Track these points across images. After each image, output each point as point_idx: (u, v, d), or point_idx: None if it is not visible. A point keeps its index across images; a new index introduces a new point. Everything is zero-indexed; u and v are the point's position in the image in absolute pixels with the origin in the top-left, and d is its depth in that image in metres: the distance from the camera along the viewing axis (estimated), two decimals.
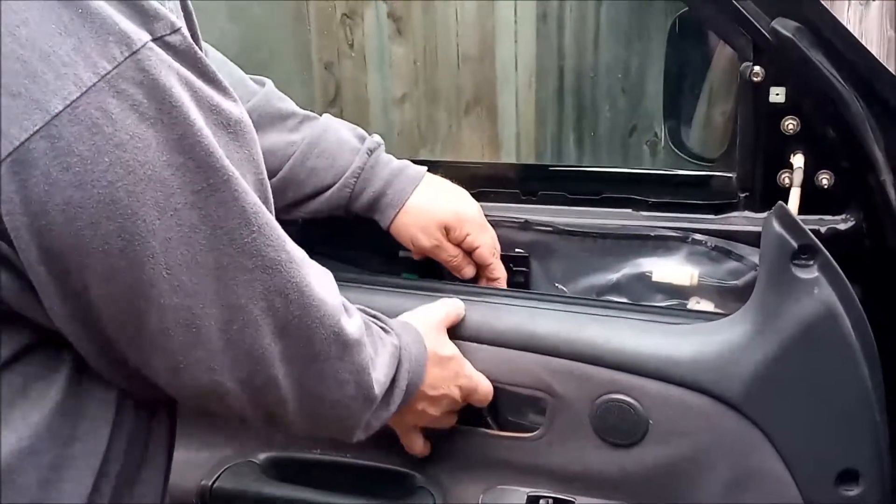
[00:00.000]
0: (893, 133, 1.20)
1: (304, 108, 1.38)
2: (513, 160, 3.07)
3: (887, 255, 1.26)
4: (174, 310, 0.79)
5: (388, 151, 1.39)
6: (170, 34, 0.76)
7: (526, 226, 1.43)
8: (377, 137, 1.38)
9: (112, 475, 0.88)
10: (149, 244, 0.75)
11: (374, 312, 1.13)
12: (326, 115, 1.39)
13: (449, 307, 1.27)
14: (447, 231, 1.37)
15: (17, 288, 0.75)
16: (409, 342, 1.13)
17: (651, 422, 1.23)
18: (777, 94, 1.25)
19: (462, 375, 1.24)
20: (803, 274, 1.14)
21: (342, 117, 1.39)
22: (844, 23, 2.64)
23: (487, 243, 1.39)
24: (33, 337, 0.79)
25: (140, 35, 0.73)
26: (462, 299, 1.30)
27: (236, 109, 0.82)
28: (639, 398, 1.23)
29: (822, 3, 1.23)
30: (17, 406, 0.79)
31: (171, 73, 0.74)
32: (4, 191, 0.70)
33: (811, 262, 1.14)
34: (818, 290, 1.14)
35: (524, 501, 1.31)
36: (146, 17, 0.74)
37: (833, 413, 1.17)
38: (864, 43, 1.25)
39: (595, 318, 1.28)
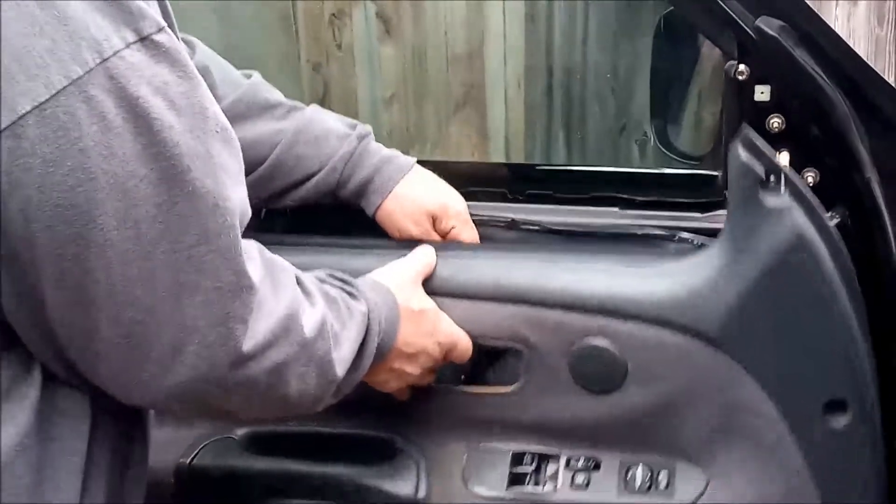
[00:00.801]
0: (878, 131, 1.20)
1: None
2: (502, 160, 3.07)
3: (873, 251, 1.26)
4: (126, 324, 0.78)
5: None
6: (156, 32, 0.75)
7: (512, 225, 1.43)
8: (367, 127, 1.38)
9: (102, 472, 0.87)
10: (105, 254, 0.74)
11: (342, 276, 1.11)
12: (314, 106, 1.38)
13: (420, 258, 1.25)
14: (433, 221, 1.36)
15: None
16: (378, 303, 1.12)
17: (629, 365, 1.22)
18: (762, 93, 1.25)
19: (439, 330, 1.22)
20: (773, 202, 1.13)
21: None
22: (832, 21, 2.65)
23: (470, 239, 1.39)
24: (8, 337, 0.79)
25: (115, 41, 0.72)
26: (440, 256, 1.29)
27: (218, 112, 0.81)
28: (615, 341, 1.22)
29: (808, 1, 1.23)
30: (2, 408, 0.79)
31: (142, 81, 0.73)
32: None
33: (781, 190, 1.12)
34: (788, 217, 1.12)
35: (509, 459, 1.30)
36: (131, 17, 0.74)
37: (814, 343, 1.15)
38: (851, 41, 1.25)
39: (566, 265, 1.27)
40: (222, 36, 2.77)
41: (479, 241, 1.40)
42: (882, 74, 1.22)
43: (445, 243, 1.36)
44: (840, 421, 1.16)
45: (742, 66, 1.22)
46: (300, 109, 1.35)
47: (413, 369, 1.20)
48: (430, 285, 1.26)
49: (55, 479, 0.83)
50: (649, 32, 2.63)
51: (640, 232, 1.38)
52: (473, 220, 1.40)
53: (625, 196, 1.41)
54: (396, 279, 1.20)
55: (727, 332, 1.17)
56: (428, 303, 1.22)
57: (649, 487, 1.24)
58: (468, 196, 1.42)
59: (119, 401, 0.88)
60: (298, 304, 0.95)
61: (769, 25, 1.18)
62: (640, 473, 1.25)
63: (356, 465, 1.31)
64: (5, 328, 0.78)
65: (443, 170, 1.44)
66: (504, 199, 1.47)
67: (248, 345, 0.85)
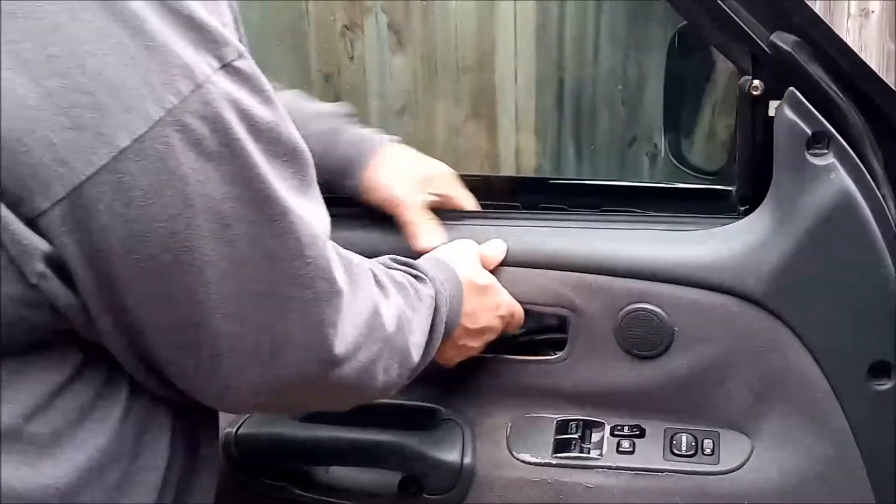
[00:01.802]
0: (891, 146, 1.20)
1: None
2: (512, 171, 3.07)
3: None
4: (226, 337, 0.79)
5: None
6: (237, 59, 0.76)
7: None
8: (346, 108, 1.35)
9: (173, 484, 0.88)
10: (204, 274, 0.75)
11: (405, 260, 1.12)
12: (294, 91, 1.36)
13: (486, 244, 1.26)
14: (426, 184, 1.33)
15: (78, 308, 0.75)
16: (443, 281, 1.12)
17: (676, 329, 1.23)
18: (776, 108, 1.25)
19: (501, 304, 1.23)
20: (818, 161, 1.13)
21: None
22: (844, 35, 2.65)
23: (469, 202, 1.37)
24: (90, 355, 0.79)
25: (204, 67, 0.72)
26: (472, 225, 1.30)
27: (293, 133, 0.81)
28: (662, 305, 1.22)
29: (821, 16, 1.23)
30: (83, 426, 0.79)
31: (229, 106, 0.74)
32: (66, 224, 0.70)
33: (826, 149, 1.13)
34: (834, 176, 1.13)
35: (553, 427, 1.30)
36: (214, 44, 0.74)
37: (858, 304, 1.15)
38: (864, 55, 1.25)
39: (611, 231, 1.28)
40: None
41: (477, 206, 1.39)
42: (894, 88, 1.22)
43: (482, 212, 1.37)
44: (884, 384, 1.17)
45: (756, 82, 1.22)
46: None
47: (477, 344, 1.22)
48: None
49: (134, 496, 0.83)
50: (661, 44, 2.63)
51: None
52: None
53: (638, 210, 1.40)
54: (458, 256, 1.20)
55: (773, 293, 1.18)
56: (489, 278, 1.23)
57: (694, 454, 1.24)
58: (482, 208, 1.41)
59: (196, 408, 0.89)
60: (378, 300, 0.96)
61: (783, 41, 1.18)
62: (684, 440, 1.25)
63: (401, 433, 1.31)
64: (89, 346, 0.79)
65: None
66: (518, 213, 1.45)
67: (339, 347, 0.88)
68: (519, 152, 3.06)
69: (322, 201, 0.87)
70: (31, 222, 0.69)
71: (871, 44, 2.69)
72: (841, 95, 1.18)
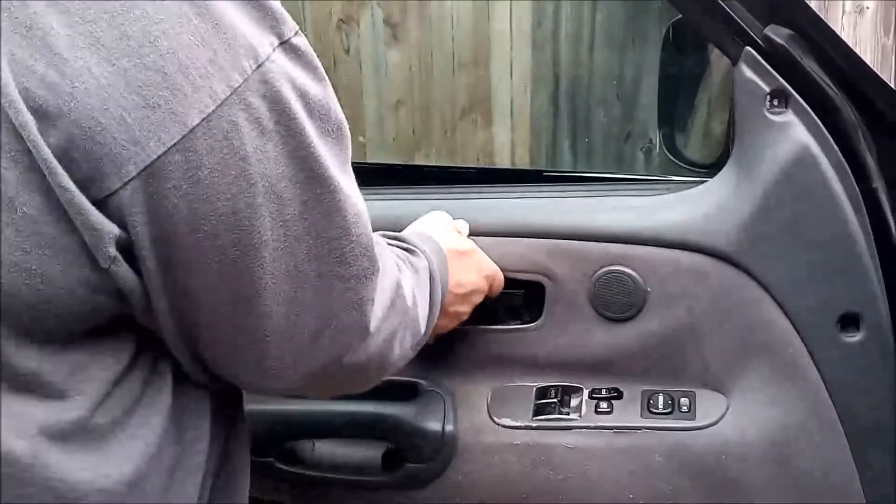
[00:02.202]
0: (885, 140, 1.20)
1: None
2: (507, 166, 3.08)
3: (881, 259, 1.26)
4: (274, 318, 0.80)
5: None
6: (294, 36, 0.76)
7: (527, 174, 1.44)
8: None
9: (212, 469, 0.89)
10: (260, 255, 0.76)
11: (395, 234, 1.13)
12: None
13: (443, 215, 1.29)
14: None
15: (140, 292, 0.75)
16: (430, 253, 1.13)
17: (649, 290, 1.25)
18: None
19: (484, 266, 1.25)
20: (777, 118, 1.16)
21: None
22: (838, 30, 2.65)
23: None
24: (140, 342, 0.80)
25: (265, 45, 0.73)
26: (451, 199, 1.33)
27: (339, 110, 0.82)
28: (634, 267, 1.25)
29: (816, 10, 1.23)
30: (136, 413, 0.79)
31: (287, 84, 0.74)
32: (136, 203, 0.70)
33: (785, 107, 1.16)
34: (793, 132, 1.15)
35: (533, 394, 1.32)
36: (274, 21, 0.74)
37: (824, 257, 1.17)
38: (858, 50, 1.25)
39: (583, 199, 1.31)
40: None
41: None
42: (889, 83, 1.22)
43: (468, 188, 1.40)
44: (854, 336, 1.19)
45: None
46: None
47: (466, 308, 1.23)
48: None
49: (182, 480, 0.84)
50: (656, 40, 2.64)
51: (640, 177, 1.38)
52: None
53: (609, 175, 1.42)
54: (436, 227, 1.23)
55: (741, 249, 1.20)
56: (469, 243, 1.25)
57: (671, 411, 1.26)
58: None
59: (230, 393, 0.90)
60: (398, 275, 0.98)
61: (778, 34, 1.18)
62: (661, 399, 1.27)
63: (383, 404, 1.33)
64: (141, 334, 0.79)
65: (450, 174, 1.45)
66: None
67: (373, 323, 0.89)
68: (514, 148, 3.07)
69: (354, 181, 0.87)
70: (102, 203, 0.69)
71: (865, 39, 2.70)
72: (835, 90, 1.19)
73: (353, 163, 0.86)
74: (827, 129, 1.17)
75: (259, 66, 0.72)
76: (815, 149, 1.15)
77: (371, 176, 1.46)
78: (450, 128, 3.05)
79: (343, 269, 0.82)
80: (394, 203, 1.35)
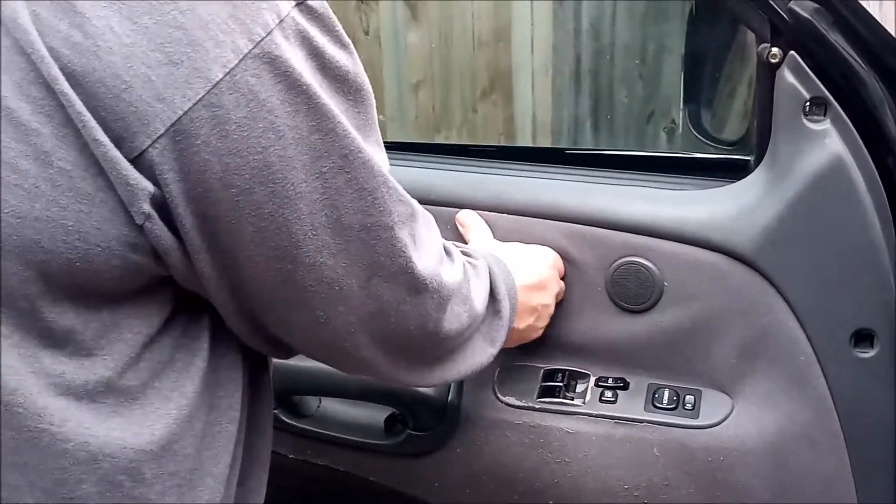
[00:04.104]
0: None
1: None
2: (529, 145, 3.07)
3: None
4: (319, 268, 0.80)
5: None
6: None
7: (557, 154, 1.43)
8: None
9: (242, 438, 0.89)
10: (297, 207, 0.76)
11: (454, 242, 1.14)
12: None
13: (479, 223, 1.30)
14: None
15: (179, 251, 0.75)
16: (484, 252, 1.14)
17: (666, 284, 1.25)
18: None
19: (546, 256, 1.26)
20: (815, 126, 1.15)
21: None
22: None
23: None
24: (174, 306, 0.80)
25: (285, 2, 0.74)
26: (477, 172, 1.34)
27: (360, 74, 0.82)
28: (654, 260, 1.25)
29: None
30: (168, 377, 0.80)
31: (307, 40, 0.75)
32: (166, 161, 0.70)
33: (823, 115, 1.15)
34: (829, 141, 1.14)
35: (540, 375, 1.32)
36: None
37: (846, 271, 1.17)
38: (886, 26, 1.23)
39: (609, 187, 1.31)
40: None
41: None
42: None
43: (487, 162, 1.41)
44: (867, 352, 1.18)
45: (775, 49, 1.21)
46: None
47: (549, 298, 1.24)
48: (478, 201, 1.31)
49: (215, 447, 0.84)
50: (679, 18, 2.62)
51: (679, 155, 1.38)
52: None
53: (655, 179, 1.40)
54: (486, 245, 1.24)
55: (762, 253, 1.19)
56: (514, 244, 1.27)
57: (674, 407, 1.26)
58: None
59: (261, 359, 0.91)
60: (443, 246, 0.98)
61: (803, 8, 1.17)
62: (666, 395, 1.28)
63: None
64: (176, 297, 0.80)
65: (471, 153, 1.44)
66: None
67: (423, 270, 0.89)
68: (535, 127, 3.06)
69: (383, 147, 0.88)
70: (134, 162, 0.70)
71: (888, 21, 2.67)
72: (861, 64, 1.17)
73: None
74: (863, 139, 1.16)
75: (281, 20, 0.73)
76: (849, 159, 1.14)
77: (395, 150, 1.47)
78: (470, 108, 3.04)
79: (386, 219, 0.83)
80: (419, 172, 1.37)
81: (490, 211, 1.31)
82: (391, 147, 1.41)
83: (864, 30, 1.18)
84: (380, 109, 1.44)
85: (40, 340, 0.73)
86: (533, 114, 3.03)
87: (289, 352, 0.91)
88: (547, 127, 3.05)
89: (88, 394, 0.75)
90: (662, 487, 1.26)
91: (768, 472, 1.23)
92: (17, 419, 0.73)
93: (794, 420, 1.22)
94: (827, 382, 1.20)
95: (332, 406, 1.41)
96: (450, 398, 1.32)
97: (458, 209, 1.32)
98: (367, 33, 2.99)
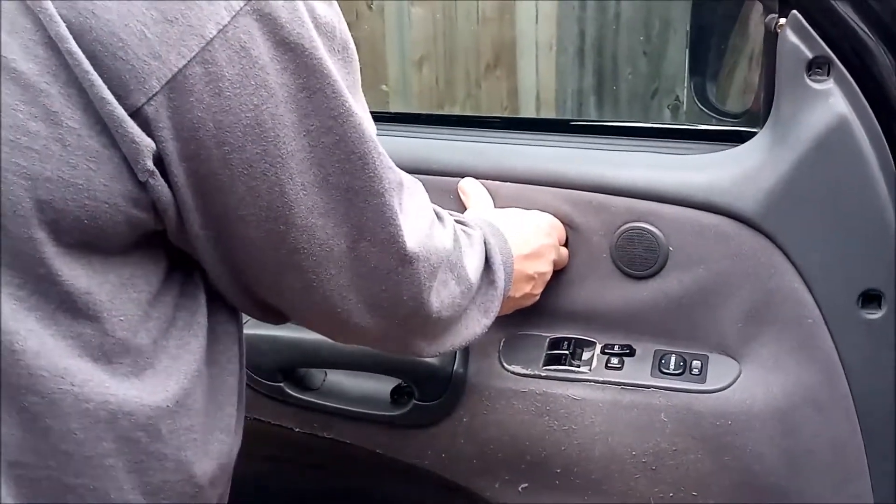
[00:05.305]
0: None
1: None
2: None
3: None
4: (310, 229, 0.81)
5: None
6: None
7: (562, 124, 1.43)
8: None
9: (242, 390, 0.91)
10: (288, 166, 0.77)
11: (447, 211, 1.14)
12: None
13: (480, 191, 1.29)
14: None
15: (174, 208, 0.76)
16: (480, 223, 1.14)
17: (671, 248, 1.24)
18: None
19: (543, 222, 1.25)
20: (818, 85, 1.14)
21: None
22: None
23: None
24: (169, 265, 0.82)
25: None
26: (472, 141, 1.34)
27: (345, 31, 0.83)
28: (659, 225, 1.24)
29: None
30: (174, 335, 0.82)
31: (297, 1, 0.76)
32: (162, 118, 0.71)
33: (826, 75, 1.14)
34: (832, 101, 1.13)
35: (546, 344, 1.32)
36: None
37: (852, 231, 1.16)
38: None
39: (612, 153, 1.31)
40: None
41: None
42: None
43: (494, 132, 1.41)
44: (875, 314, 1.17)
45: (782, 20, 1.21)
46: None
47: (546, 266, 1.23)
48: (480, 170, 1.30)
49: (220, 400, 0.87)
50: None
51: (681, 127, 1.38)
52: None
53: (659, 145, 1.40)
54: (484, 214, 1.23)
55: (767, 215, 1.19)
56: (513, 210, 1.26)
57: (681, 373, 1.26)
58: None
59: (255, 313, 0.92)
60: (433, 214, 0.98)
61: None
62: (673, 360, 1.27)
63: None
64: (171, 255, 0.81)
65: (475, 123, 1.44)
66: None
67: (410, 242, 0.89)
68: (539, 104, 3.05)
69: (367, 110, 0.88)
70: (132, 118, 0.71)
71: None
72: (869, 34, 1.16)
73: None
74: (868, 99, 1.15)
75: None
76: (853, 119, 1.13)
77: (397, 122, 1.46)
78: (474, 83, 3.03)
79: (376, 184, 0.83)
80: (420, 143, 1.36)
81: (492, 179, 1.30)
82: (393, 118, 1.41)
83: (886, 13, 1.17)
84: (383, 83, 1.43)
85: (59, 304, 0.74)
86: (537, 90, 3.02)
87: (280, 317, 0.92)
88: (551, 103, 3.04)
89: (105, 354, 0.76)
90: (670, 453, 1.26)
91: (777, 436, 1.23)
92: (41, 383, 0.73)
93: (801, 383, 1.21)
94: (835, 345, 1.19)
95: (338, 379, 1.41)
96: (455, 368, 1.32)
97: (460, 178, 1.31)
98: (370, 8, 2.98)
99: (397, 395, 1.37)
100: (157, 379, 0.79)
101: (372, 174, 0.82)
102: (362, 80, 0.88)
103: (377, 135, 0.85)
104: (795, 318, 1.20)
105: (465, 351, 1.32)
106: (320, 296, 0.87)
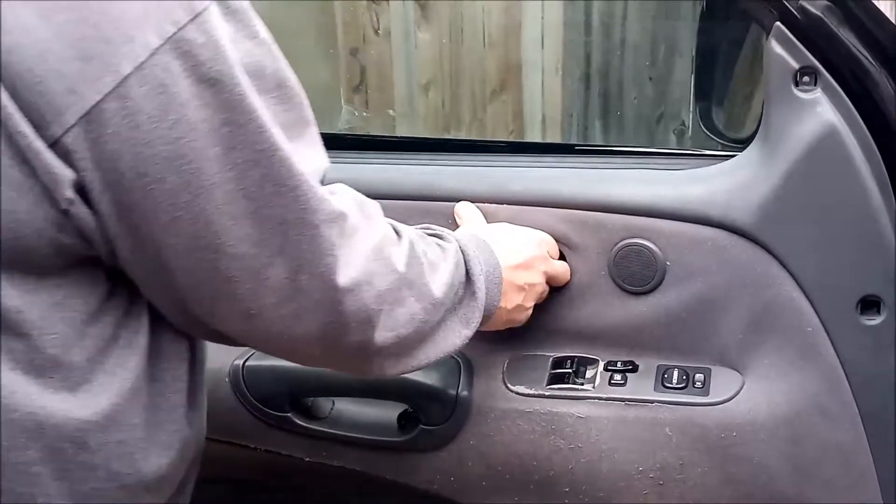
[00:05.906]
0: None
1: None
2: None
3: None
4: (241, 258, 0.83)
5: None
6: None
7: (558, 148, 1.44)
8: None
9: (196, 400, 0.94)
10: (212, 195, 0.79)
11: (425, 226, 1.14)
12: None
13: (472, 212, 1.30)
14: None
15: (102, 234, 0.79)
16: (461, 236, 1.13)
17: (668, 263, 1.25)
18: None
19: (532, 235, 1.26)
20: (805, 95, 1.15)
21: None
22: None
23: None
24: (112, 285, 0.84)
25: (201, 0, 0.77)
26: (475, 166, 1.35)
27: (282, 70, 0.84)
28: (655, 240, 1.25)
29: None
30: (112, 353, 0.84)
31: (221, 37, 0.77)
32: (80, 149, 0.74)
33: (814, 84, 1.15)
34: (820, 110, 1.14)
35: (549, 364, 1.33)
36: None
37: (847, 238, 1.17)
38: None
39: (606, 171, 1.32)
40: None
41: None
42: None
43: (493, 156, 1.43)
44: (874, 319, 1.18)
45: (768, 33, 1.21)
46: None
47: (537, 277, 1.24)
48: (477, 194, 1.31)
49: (161, 417, 0.89)
50: (690, 17, 2.61)
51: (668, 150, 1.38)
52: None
53: (651, 161, 1.41)
54: (472, 229, 1.24)
55: (762, 226, 1.19)
56: (502, 225, 1.27)
57: (684, 386, 1.27)
58: None
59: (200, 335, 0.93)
60: (387, 233, 0.98)
61: (814, 5, 1.16)
62: (675, 374, 1.28)
63: None
64: (113, 276, 0.84)
65: (480, 148, 1.44)
66: None
67: (352, 271, 0.89)
68: (545, 128, 3.05)
69: (320, 145, 0.90)
70: (51, 149, 0.74)
71: None
72: (871, 61, 1.17)
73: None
74: (857, 108, 1.15)
75: (196, 15, 0.76)
76: (843, 128, 1.14)
77: (402, 150, 1.47)
78: (480, 107, 3.04)
79: (310, 217, 0.84)
80: (425, 170, 1.37)
81: (490, 202, 1.31)
82: (399, 145, 1.42)
83: (875, 27, 1.18)
84: (389, 108, 1.44)
85: None
86: (542, 113, 3.02)
87: (230, 340, 0.93)
88: (557, 127, 3.04)
89: (35, 369, 0.80)
90: (677, 467, 1.26)
91: (784, 445, 1.23)
92: None
93: (805, 392, 1.22)
94: (836, 352, 1.20)
95: (346, 407, 1.42)
96: (460, 391, 1.32)
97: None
98: (377, 33, 2.99)
99: (405, 421, 1.37)
100: (91, 394, 0.83)
101: (305, 206, 0.84)
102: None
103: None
104: (795, 327, 1.21)
105: (470, 373, 1.33)
106: (263, 324, 0.88)
